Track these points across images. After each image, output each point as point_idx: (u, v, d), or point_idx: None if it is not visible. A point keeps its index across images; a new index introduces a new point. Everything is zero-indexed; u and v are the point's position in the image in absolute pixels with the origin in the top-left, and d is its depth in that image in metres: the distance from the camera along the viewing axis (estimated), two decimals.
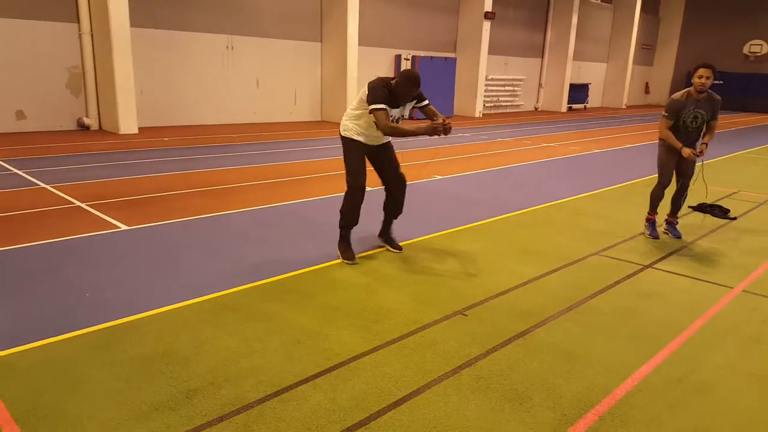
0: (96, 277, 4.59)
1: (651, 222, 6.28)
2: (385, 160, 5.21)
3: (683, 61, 35.03)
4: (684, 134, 5.87)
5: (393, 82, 4.79)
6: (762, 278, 5.10)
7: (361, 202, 5.12)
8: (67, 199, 7.00)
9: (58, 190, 7.48)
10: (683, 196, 6.16)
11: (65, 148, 10.75)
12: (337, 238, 5.24)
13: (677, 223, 6.30)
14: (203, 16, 15.03)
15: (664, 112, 5.90)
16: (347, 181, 5.06)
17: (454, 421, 2.87)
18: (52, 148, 10.68)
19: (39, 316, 3.87)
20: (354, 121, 4.99)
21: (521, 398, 3.09)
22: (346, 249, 5.19)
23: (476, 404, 3.01)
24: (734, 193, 8.62)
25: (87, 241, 5.44)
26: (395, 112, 4.89)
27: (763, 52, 32.37)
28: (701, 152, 5.75)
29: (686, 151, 5.76)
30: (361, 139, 5.00)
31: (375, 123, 4.75)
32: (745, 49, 32.75)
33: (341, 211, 5.17)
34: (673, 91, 35.53)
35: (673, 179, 6.15)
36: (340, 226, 5.21)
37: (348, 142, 5.04)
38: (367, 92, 4.78)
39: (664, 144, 6.01)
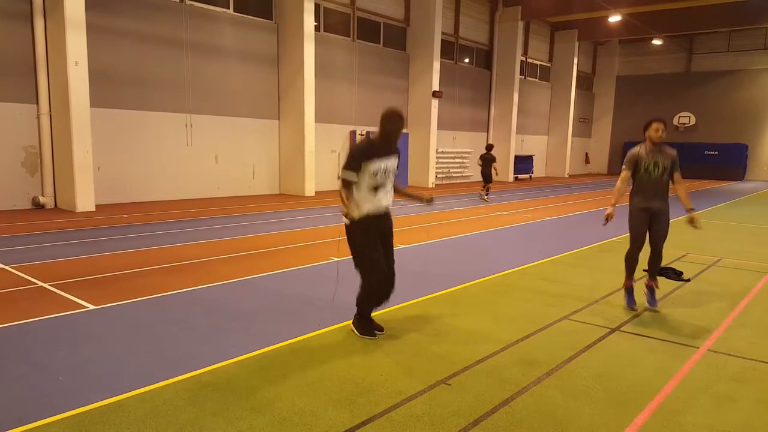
0: (67, 359, 4.42)
1: (628, 290, 6.23)
2: (383, 245, 5.04)
3: (618, 132, 37.29)
4: (648, 183, 5.98)
5: (374, 134, 4.95)
6: (724, 337, 5.33)
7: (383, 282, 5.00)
8: (29, 280, 6.76)
9: (18, 270, 7.23)
10: (657, 258, 6.15)
11: (22, 228, 10.45)
12: (307, 311, 5.19)
13: (657, 288, 6.24)
14: (163, 97, 15.21)
15: (622, 165, 6.17)
16: (366, 272, 4.93)
17: None
18: (7, 228, 10.36)
19: (8, 403, 3.69)
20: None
21: None
22: (364, 326, 5.09)
23: None
24: (684, 255, 9.07)
25: (54, 323, 5.26)
26: (385, 164, 4.87)
27: (691, 123, 34.83)
28: (693, 220, 6.07)
29: (609, 210, 6.00)
30: (368, 210, 4.86)
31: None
32: (675, 121, 35.14)
33: (360, 300, 5.07)
34: (611, 160, 37.58)
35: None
36: (360, 311, 5.10)
37: (353, 228, 4.89)
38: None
39: (633, 208, 6.12)
